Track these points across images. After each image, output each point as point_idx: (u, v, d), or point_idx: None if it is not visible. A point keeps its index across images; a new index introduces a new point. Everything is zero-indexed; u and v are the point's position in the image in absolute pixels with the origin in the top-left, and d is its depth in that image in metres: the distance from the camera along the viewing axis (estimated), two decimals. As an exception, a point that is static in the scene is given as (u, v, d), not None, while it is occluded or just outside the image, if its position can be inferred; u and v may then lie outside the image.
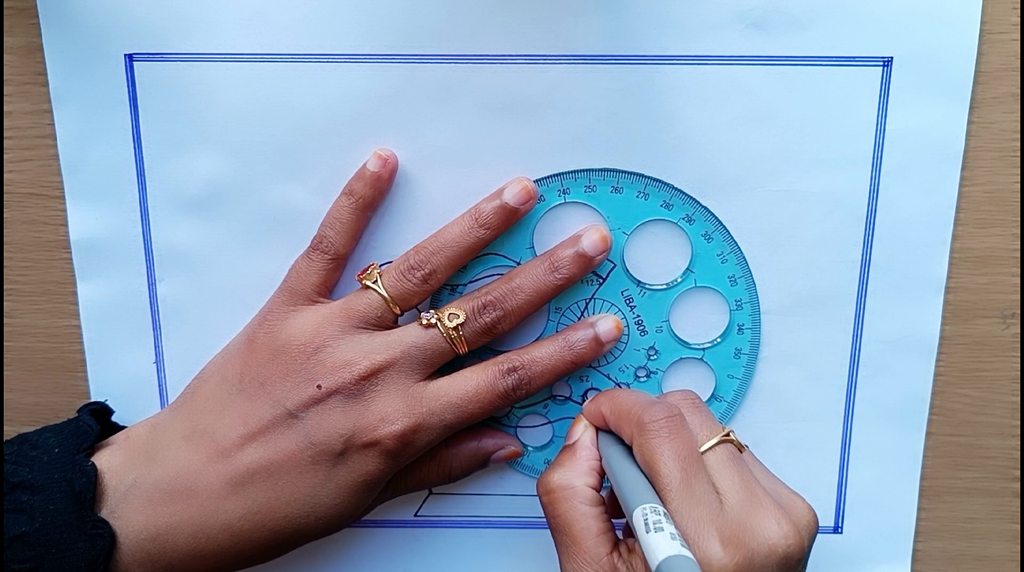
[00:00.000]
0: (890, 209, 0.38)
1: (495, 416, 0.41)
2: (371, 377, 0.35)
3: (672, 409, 0.33)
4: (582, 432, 0.36)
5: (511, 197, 0.37)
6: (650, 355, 0.40)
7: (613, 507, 0.35)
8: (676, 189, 0.38)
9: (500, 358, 0.37)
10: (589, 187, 0.38)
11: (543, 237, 0.38)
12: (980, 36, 0.36)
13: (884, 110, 0.37)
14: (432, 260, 0.36)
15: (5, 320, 0.41)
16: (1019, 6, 0.36)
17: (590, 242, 0.37)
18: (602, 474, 0.35)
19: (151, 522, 0.34)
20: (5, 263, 0.40)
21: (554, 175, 0.38)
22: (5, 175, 0.39)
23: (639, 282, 0.39)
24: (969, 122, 0.37)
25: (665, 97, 0.37)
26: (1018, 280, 0.40)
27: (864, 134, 0.37)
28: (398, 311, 0.37)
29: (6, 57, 0.38)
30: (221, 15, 0.36)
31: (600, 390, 0.40)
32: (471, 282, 0.39)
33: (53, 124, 0.38)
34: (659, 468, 0.32)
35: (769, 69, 0.37)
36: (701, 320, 0.40)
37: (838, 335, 0.40)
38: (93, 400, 0.39)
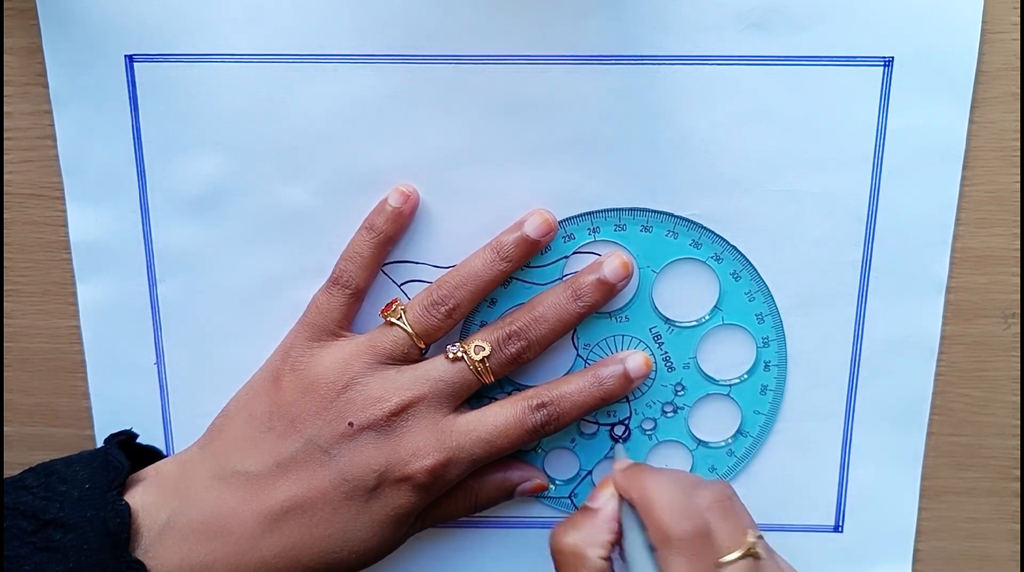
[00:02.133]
0: (891, 209, 0.38)
1: (522, 449, 0.41)
2: (401, 413, 0.36)
3: (700, 526, 0.33)
4: (606, 501, 0.36)
5: (532, 229, 0.37)
6: (677, 391, 0.40)
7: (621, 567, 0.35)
8: (705, 228, 0.38)
9: (529, 393, 0.37)
10: (619, 226, 0.38)
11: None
12: (981, 36, 0.36)
13: (885, 110, 0.37)
14: (455, 294, 0.37)
15: (5, 321, 0.41)
16: (1019, 6, 0.36)
17: (611, 269, 0.37)
18: (615, 543, 0.35)
19: (186, 561, 0.34)
20: (5, 264, 0.40)
21: (584, 214, 0.38)
22: (5, 176, 0.39)
23: (667, 319, 0.39)
24: (969, 122, 0.37)
25: (665, 97, 0.37)
26: (1019, 280, 0.40)
27: (865, 134, 0.37)
28: (423, 345, 0.37)
29: (6, 58, 0.38)
30: (221, 16, 0.36)
31: (627, 425, 0.41)
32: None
33: (53, 125, 0.38)
34: None
35: (769, 69, 0.37)
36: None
37: (839, 335, 0.40)
38: (120, 429, 0.38)
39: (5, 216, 0.39)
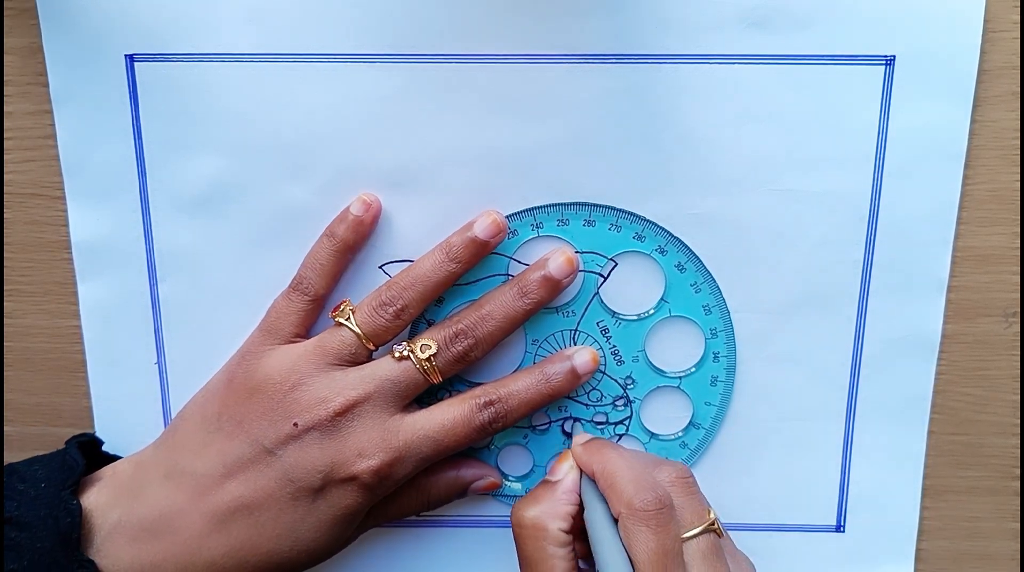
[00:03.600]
0: (892, 208, 0.38)
1: (475, 446, 0.41)
2: (346, 413, 0.36)
3: (663, 498, 0.33)
4: (566, 472, 0.36)
5: (481, 230, 0.37)
6: (627, 384, 0.40)
7: (581, 544, 0.35)
8: (648, 221, 0.38)
9: (477, 391, 0.37)
10: (562, 221, 0.38)
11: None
12: (982, 34, 0.36)
13: (886, 109, 0.37)
14: (404, 295, 0.36)
15: (6, 321, 0.41)
16: (1019, 4, 0.36)
17: (556, 265, 0.37)
18: (576, 518, 0.35)
19: (136, 561, 0.35)
20: (6, 264, 0.40)
21: (527, 210, 0.38)
22: (6, 176, 0.39)
23: (614, 313, 0.39)
24: (971, 121, 0.37)
25: (666, 96, 0.37)
26: (1019, 278, 0.40)
27: (866, 133, 0.37)
28: (372, 347, 0.37)
29: (7, 58, 0.38)
30: (221, 15, 0.36)
31: (581, 421, 0.41)
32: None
33: (54, 125, 0.38)
34: (639, 557, 0.32)
35: (771, 68, 0.37)
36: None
37: (840, 334, 0.40)
38: (82, 432, 0.39)
39: (6, 216, 0.39)
